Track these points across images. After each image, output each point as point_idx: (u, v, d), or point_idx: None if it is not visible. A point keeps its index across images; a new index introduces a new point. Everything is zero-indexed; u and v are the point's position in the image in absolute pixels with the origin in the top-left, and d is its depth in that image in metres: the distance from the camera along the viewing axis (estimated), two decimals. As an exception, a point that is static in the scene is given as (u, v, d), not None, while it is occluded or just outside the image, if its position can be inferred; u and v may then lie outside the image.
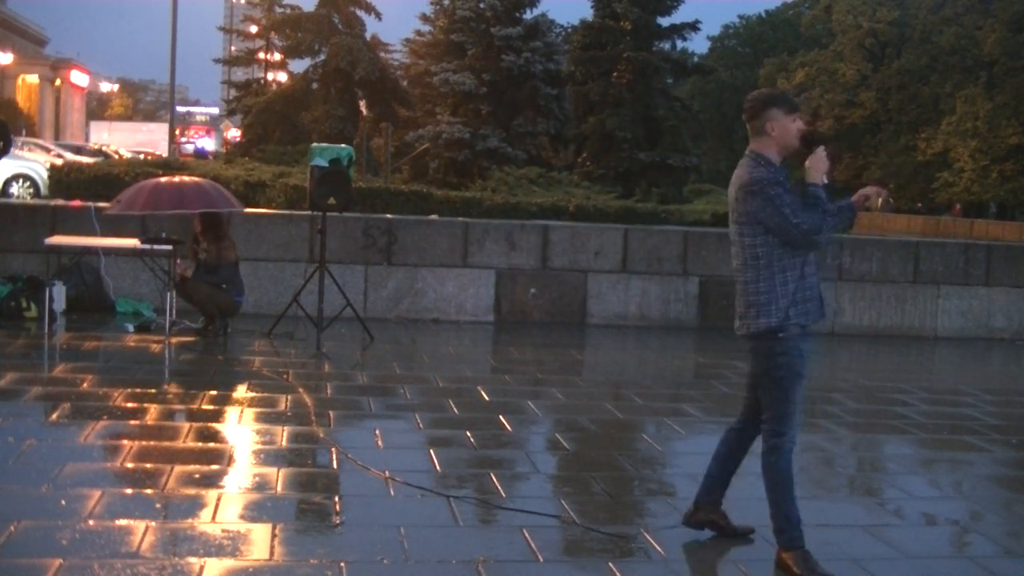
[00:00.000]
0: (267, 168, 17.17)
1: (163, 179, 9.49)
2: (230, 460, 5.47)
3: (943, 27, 51.71)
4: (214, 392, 7.00)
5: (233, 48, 49.85)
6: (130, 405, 6.47)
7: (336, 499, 4.97)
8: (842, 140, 55.16)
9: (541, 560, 4.33)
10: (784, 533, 4.29)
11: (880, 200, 4.45)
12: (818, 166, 4.36)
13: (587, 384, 8.51)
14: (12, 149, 23.21)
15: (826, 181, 4.33)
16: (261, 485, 5.06)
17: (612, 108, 25.25)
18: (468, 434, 6.20)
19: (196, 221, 9.13)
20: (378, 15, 31.82)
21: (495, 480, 5.35)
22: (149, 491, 4.86)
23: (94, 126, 72.33)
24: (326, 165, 8.83)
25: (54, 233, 9.91)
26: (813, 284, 4.38)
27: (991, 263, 12.01)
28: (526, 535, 4.55)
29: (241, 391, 7.17)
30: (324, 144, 10.24)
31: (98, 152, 34.12)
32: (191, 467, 5.24)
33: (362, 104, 30.92)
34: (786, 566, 4.22)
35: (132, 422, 6.09)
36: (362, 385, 7.66)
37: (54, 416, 6.23)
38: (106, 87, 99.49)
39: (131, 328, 9.24)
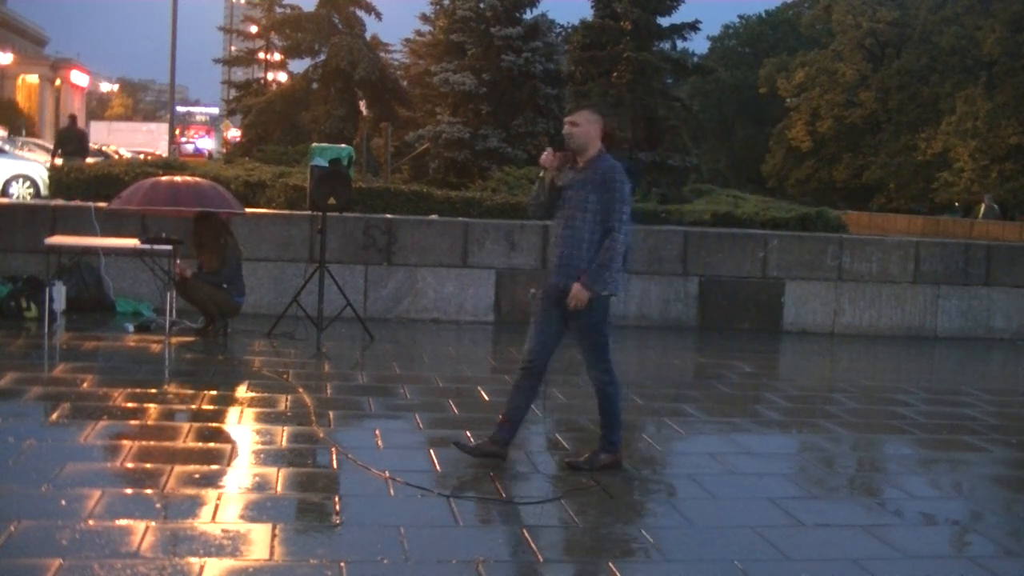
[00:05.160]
0: (267, 168, 17.14)
1: (163, 178, 9.50)
2: (230, 460, 5.47)
3: (943, 27, 51.66)
4: (214, 392, 7.00)
5: (233, 48, 49.79)
6: (130, 405, 6.48)
7: (336, 499, 4.97)
8: (842, 140, 55.20)
9: (541, 560, 4.33)
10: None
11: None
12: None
13: (587, 384, 8.47)
14: (12, 149, 23.40)
15: (540, 174, 5.56)
16: (261, 485, 5.06)
17: (612, 108, 25.22)
18: (468, 434, 6.19)
19: (192, 231, 9.15)
20: (378, 15, 31.80)
21: (495, 480, 5.36)
22: (149, 491, 4.86)
23: (94, 126, 72.32)
24: (326, 165, 8.84)
25: (54, 233, 9.92)
26: (549, 252, 5.83)
27: (991, 263, 12.01)
28: (526, 535, 4.56)
29: (241, 391, 7.17)
30: (324, 144, 10.24)
31: (98, 152, 34.12)
32: (191, 467, 5.25)
33: (362, 104, 30.88)
34: None
35: (132, 422, 6.09)
36: (362, 385, 7.66)
37: (54, 416, 6.23)
38: (106, 87, 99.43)
39: (131, 328, 9.25)
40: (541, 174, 5.52)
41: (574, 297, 5.36)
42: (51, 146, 32.08)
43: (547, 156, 5.49)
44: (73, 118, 23.98)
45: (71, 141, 21.56)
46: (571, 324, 5.51)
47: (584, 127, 5.42)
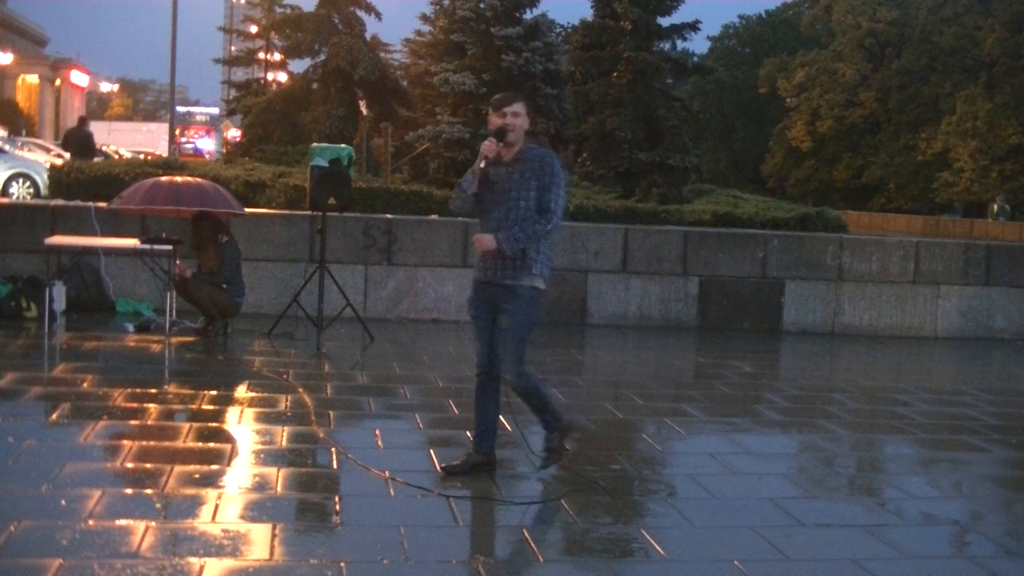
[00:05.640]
0: (267, 168, 17.14)
1: (163, 178, 9.51)
2: (230, 460, 5.48)
3: (943, 27, 51.64)
4: (214, 392, 7.00)
5: (233, 48, 49.76)
6: (130, 405, 6.48)
7: (336, 499, 4.97)
8: (842, 140, 55.20)
9: (541, 560, 4.34)
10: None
11: (995, 206, 4.84)
12: (480, 153, 5.25)
13: (587, 384, 8.52)
14: (12, 149, 23.55)
15: (481, 166, 5.22)
16: (261, 485, 5.07)
17: (612, 108, 25.20)
18: (468, 434, 6.18)
19: (191, 231, 9.16)
20: (378, 15, 31.74)
21: (495, 480, 5.35)
22: (149, 491, 4.86)
23: (94, 126, 72.27)
24: (326, 165, 8.84)
25: (54, 233, 9.92)
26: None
27: (991, 263, 12.01)
28: (526, 535, 4.56)
29: (241, 391, 7.17)
30: (324, 144, 10.25)
31: (98, 152, 34.13)
32: (191, 467, 5.25)
33: (362, 104, 30.84)
34: None
35: (132, 422, 6.09)
36: (362, 385, 7.66)
37: (54, 416, 6.23)
38: (106, 87, 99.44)
39: (131, 328, 9.25)
40: (482, 165, 5.21)
41: (482, 241, 5.21)
42: (51, 146, 32.36)
43: (492, 146, 5.22)
44: (83, 119, 25.38)
45: (76, 142, 22.29)
46: (498, 317, 5.29)
47: (523, 118, 5.29)
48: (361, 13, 31.95)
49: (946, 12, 52.03)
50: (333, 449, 5.78)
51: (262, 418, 6.41)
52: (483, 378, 5.45)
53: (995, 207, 33.59)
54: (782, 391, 8.40)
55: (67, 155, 24.22)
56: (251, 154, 28.04)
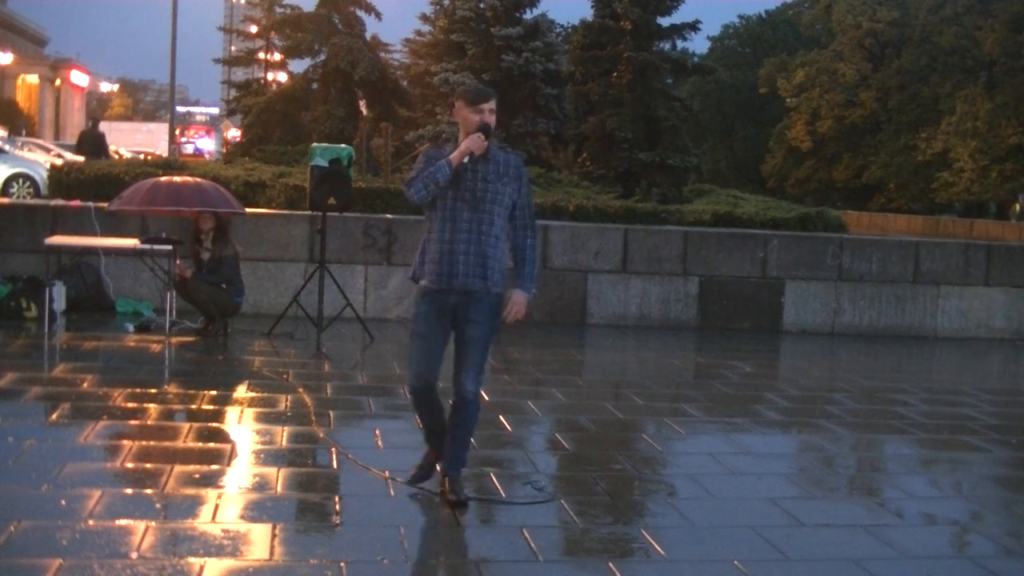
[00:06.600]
0: (267, 168, 17.12)
1: (163, 179, 9.50)
2: (230, 460, 5.48)
3: (943, 27, 51.68)
4: (214, 392, 7.00)
5: (233, 48, 49.73)
6: (130, 405, 6.48)
7: (336, 499, 4.97)
8: (842, 140, 55.21)
9: (541, 560, 4.33)
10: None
11: (1018, 207, 4.79)
12: (461, 147, 4.86)
13: (587, 384, 8.52)
14: (12, 149, 23.62)
15: (465, 160, 4.83)
16: (261, 485, 5.07)
17: (612, 108, 25.21)
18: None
19: (204, 219, 9.13)
20: (378, 15, 31.73)
21: (495, 480, 5.35)
22: (149, 491, 4.86)
23: (94, 126, 72.18)
24: (326, 165, 8.84)
25: (54, 233, 9.92)
26: (442, 248, 4.88)
27: (991, 263, 12.01)
28: (526, 535, 4.56)
29: (241, 391, 7.17)
30: (324, 144, 10.24)
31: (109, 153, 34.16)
32: (191, 467, 5.25)
33: (362, 104, 30.83)
34: None
35: (132, 422, 6.09)
36: (362, 385, 7.66)
37: (54, 416, 6.23)
38: (106, 87, 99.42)
39: (131, 328, 9.25)
40: (465, 160, 4.82)
41: (519, 305, 4.99)
42: (51, 146, 32.43)
43: (481, 143, 4.85)
44: (95, 121, 26.58)
45: (90, 143, 22.81)
46: (466, 330, 4.90)
47: (495, 115, 4.97)
48: (361, 13, 31.95)
49: (946, 12, 52.04)
50: (333, 449, 5.78)
51: (262, 418, 6.41)
52: (423, 393, 5.02)
53: (1017, 208, 32.87)
54: (782, 391, 8.41)
55: (70, 155, 24.37)
56: (251, 154, 28.01)
